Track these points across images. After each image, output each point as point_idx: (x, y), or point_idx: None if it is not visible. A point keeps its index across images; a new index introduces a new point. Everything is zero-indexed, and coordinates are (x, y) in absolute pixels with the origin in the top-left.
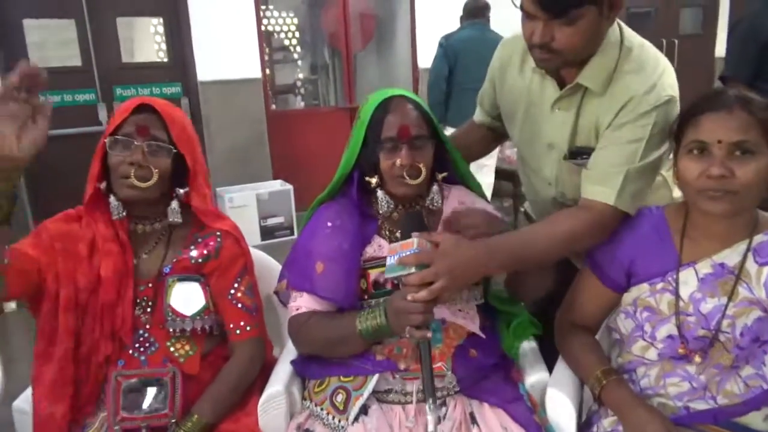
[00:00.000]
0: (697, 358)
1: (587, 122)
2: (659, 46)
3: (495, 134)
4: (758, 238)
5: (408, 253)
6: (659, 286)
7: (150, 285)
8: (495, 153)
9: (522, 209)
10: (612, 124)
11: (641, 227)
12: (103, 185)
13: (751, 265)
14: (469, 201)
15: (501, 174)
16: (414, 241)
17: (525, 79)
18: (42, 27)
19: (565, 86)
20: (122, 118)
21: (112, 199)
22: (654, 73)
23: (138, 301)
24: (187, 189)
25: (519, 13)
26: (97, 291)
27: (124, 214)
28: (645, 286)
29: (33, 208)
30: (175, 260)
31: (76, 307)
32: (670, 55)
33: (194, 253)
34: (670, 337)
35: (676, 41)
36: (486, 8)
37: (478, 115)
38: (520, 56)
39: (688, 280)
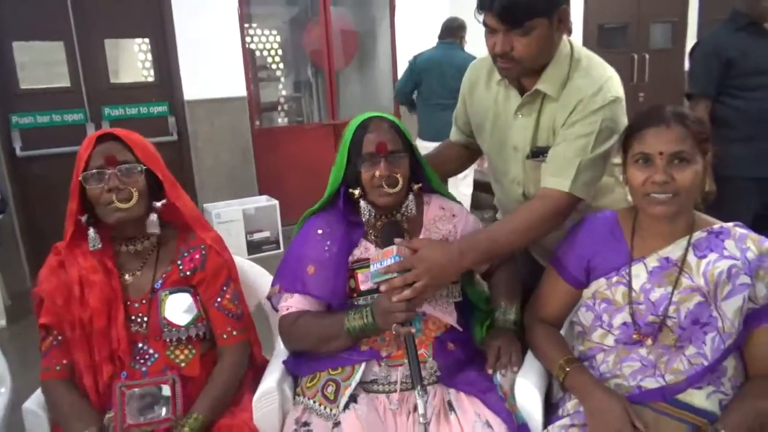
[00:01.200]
0: (649, 341)
1: (546, 124)
2: (630, 61)
3: (469, 151)
4: (697, 235)
5: (389, 260)
6: (614, 279)
7: (144, 301)
8: (473, 165)
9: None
10: (566, 123)
11: (598, 229)
12: (84, 217)
13: (691, 258)
14: (448, 207)
15: (480, 186)
16: (394, 248)
17: (491, 92)
18: (31, 48)
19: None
20: (88, 154)
21: (90, 231)
22: (601, 78)
23: (134, 318)
24: (164, 201)
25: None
26: (92, 321)
27: (100, 246)
28: (602, 280)
29: (22, 225)
30: (165, 275)
31: (87, 342)
32: (641, 69)
33: (182, 266)
34: (624, 324)
35: (647, 55)
36: (459, 29)
37: (454, 134)
38: (487, 74)
39: (639, 273)
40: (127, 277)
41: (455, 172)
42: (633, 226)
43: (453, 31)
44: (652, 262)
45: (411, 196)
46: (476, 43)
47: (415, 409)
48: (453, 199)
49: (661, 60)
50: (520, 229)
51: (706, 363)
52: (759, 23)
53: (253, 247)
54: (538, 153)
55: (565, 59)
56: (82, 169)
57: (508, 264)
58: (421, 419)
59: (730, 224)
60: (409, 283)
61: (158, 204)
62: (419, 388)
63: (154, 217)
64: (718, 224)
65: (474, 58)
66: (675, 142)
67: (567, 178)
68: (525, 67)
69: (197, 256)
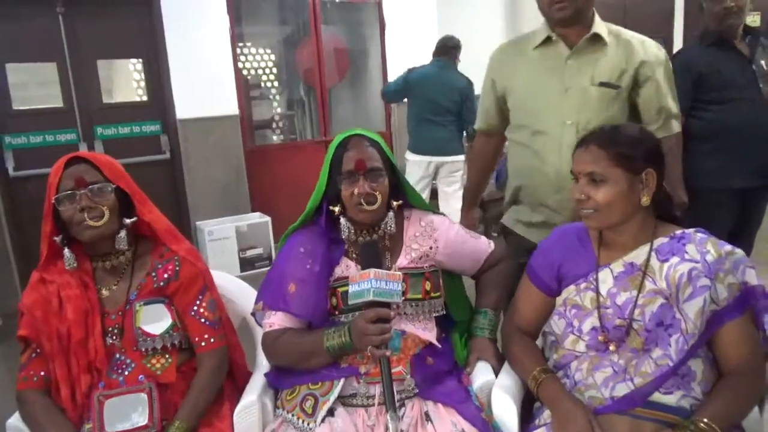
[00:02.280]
0: (612, 347)
1: (608, 65)
2: None
3: (502, 138)
4: (658, 241)
5: (365, 283)
6: (583, 285)
7: (120, 313)
8: (459, 179)
9: (500, 222)
10: (645, 65)
11: (567, 238)
12: (59, 238)
13: (654, 262)
14: (428, 221)
15: None
16: (371, 272)
17: (527, 57)
18: (24, 70)
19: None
20: (58, 178)
21: (66, 252)
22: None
23: (110, 329)
24: (134, 219)
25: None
26: (70, 333)
27: (75, 264)
28: (572, 287)
29: (14, 245)
30: (140, 287)
31: (65, 355)
32: None
33: (156, 277)
34: (594, 329)
35: None
36: (454, 48)
37: (488, 126)
38: (518, 49)
39: (606, 279)
40: (104, 291)
41: (495, 163)
42: (600, 236)
43: (448, 50)
44: (618, 267)
45: (391, 213)
46: (467, 62)
47: None
48: (434, 211)
49: None
50: None
51: (671, 363)
52: (727, 39)
53: (245, 264)
54: (606, 84)
55: (602, 22)
56: (54, 192)
57: (498, 267)
58: None
59: (692, 230)
60: (382, 316)
61: (128, 221)
62: (391, 412)
63: (123, 233)
64: (680, 230)
65: (465, 77)
66: (589, 163)
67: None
68: (578, 7)
69: (171, 267)
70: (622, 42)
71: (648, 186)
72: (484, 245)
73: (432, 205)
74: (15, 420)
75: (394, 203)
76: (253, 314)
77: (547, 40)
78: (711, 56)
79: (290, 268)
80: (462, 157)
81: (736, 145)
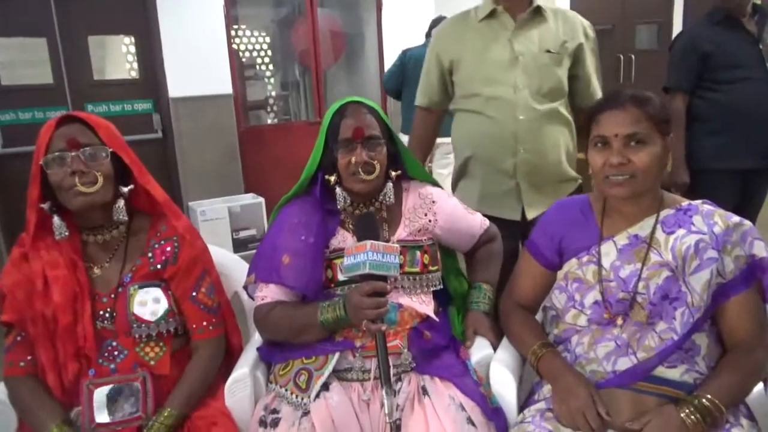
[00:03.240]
0: (620, 321)
1: (549, 35)
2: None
3: (441, 115)
4: (664, 212)
5: (362, 255)
6: (585, 259)
7: (112, 296)
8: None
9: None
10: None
11: (569, 211)
12: (47, 205)
13: (660, 234)
14: (426, 193)
15: None
16: (367, 244)
17: (474, 29)
18: (13, 45)
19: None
20: (48, 137)
21: (55, 219)
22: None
23: (101, 313)
24: (131, 187)
25: None
26: (56, 317)
27: (67, 233)
28: (573, 260)
29: (4, 223)
30: (134, 268)
31: (51, 339)
32: (627, 70)
33: (153, 259)
34: (596, 303)
35: (633, 56)
36: None
37: (430, 102)
38: (463, 23)
39: (609, 252)
40: (95, 269)
41: (432, 145)
42: (603, 207)
43: None
44: (622, 239)
45: (389, 184)
46: None
47: None
48: (433, 182)
49: (647, 60)
50: None
51: (675, 337)
52: (735, 17)
53: (238, 245)
54: (551, 52)
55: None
56: (43, 153)
57: (492, 244)
58: (387, 419)
59: (698, 201)
60: (378, 290)
61: (125, 189)
62: (386, 388)
63: (121, 203)
64: (686, 202)
65: None
66: (630, 124)
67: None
68: None
69: (168, 249)
70: (560, 16)
71: (669, 151)
72: (479, 222)
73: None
74: (2, 395)
75: (393, 173)
76: (245, 287)
77: (492, 13)
78: (717, 34)
79: (284, 239)
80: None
81: (740, 125)
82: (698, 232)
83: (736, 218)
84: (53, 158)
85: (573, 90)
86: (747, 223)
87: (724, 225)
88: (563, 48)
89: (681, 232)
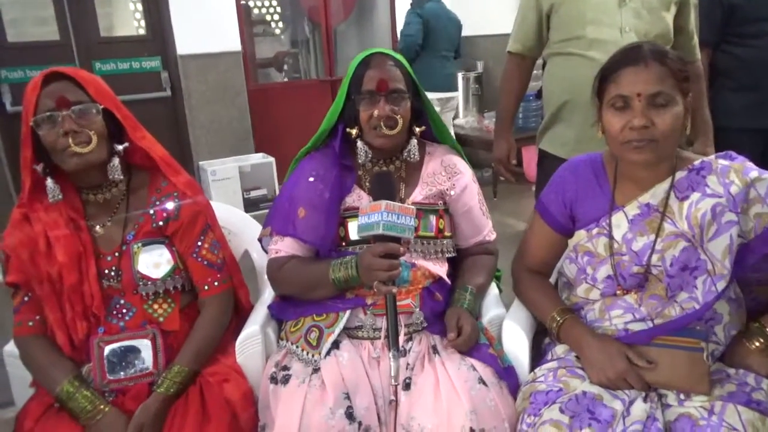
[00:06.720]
0: (634, 294)
1: None
2: None
3: (533, 63)
4: (678, 175)
5: (376, 215)
6: (594, 231)
7: (116, 254)
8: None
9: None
10: None
11: (585, 171)
12: (40, 166)
13: (673, 202)
14: (451, 162)
15: (477, 143)
16: (383, 204)
17: None
18: (20, 2)
19: None
20: (35, 96)
21: (48, 181)
22: None
23: (106, 271)
24: (126, 144)
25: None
26: (62, 277)
27: (60, 196)
28: (583, 233)
29: (15, 180)
30: (136, 226)
31: (57, 299)
32: None
33: (155, 216)
34: (609, 277)
35: None
36: None
37: (525, 48)
38: None
39: (620, 223)
40: (97, 228)
41: (524, 92)
42: (615, 172)
43: None
44: (633, 209)
45: (413, 141)
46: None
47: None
48: (457, 147)
49: None
50: None
51: (697, 306)
52: None
53: (249, 205)
54: None
55: None
56: (32, 113)
57: (489, 258)
58: (393, 381)
59: (712, 156)
60: (391, 252)
61: (120, 147)
62: (393, 351)
63: (116, 161)
64: (698, 159)
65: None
66: (654, 82)
67: None
68: None
69: (170, 205)
70: None
71: (689, 112)
72: (488, 227)
73: None
74: (12, 347)
75: (417, 129)
76: (259, 240)
77: None
78: None
79: (300, 192)
80: (456, 94)
81: (766, 82)
82: (714, 194)
83: (755, 172)
84: (43, 118)
85: (676, 43)
86: (767, 176)
87: (741, 183)
88: None
89: (695, 196)
